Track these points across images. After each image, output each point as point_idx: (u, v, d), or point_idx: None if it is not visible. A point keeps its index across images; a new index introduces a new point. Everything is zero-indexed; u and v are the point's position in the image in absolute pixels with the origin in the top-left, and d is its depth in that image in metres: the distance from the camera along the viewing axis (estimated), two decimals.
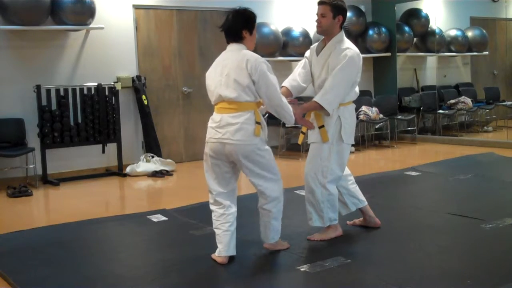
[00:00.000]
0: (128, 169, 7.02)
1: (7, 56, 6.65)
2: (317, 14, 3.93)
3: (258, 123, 3.55)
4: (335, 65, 3.85)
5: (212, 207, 3.70)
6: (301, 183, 5.99)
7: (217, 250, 3.64)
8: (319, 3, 3.93)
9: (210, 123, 3.64)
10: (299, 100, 8.79)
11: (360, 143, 8.82)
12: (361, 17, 9.13)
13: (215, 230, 3.67)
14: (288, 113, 3.61)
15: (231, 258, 3.64)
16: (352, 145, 8.99)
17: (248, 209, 5.10)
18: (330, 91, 3.80)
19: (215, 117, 3.60)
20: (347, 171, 4.15)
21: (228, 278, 3.42)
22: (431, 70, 10.17)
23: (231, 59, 3.53)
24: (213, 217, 3.69)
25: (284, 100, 3.60)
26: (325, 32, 3.95)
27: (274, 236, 3.75)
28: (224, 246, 3.60)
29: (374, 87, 9.87)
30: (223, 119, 3.53)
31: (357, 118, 8.57)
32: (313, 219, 4.00)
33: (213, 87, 3.58)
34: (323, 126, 3.87)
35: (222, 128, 3.53)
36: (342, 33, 4.00)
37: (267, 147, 3.67)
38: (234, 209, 3.71)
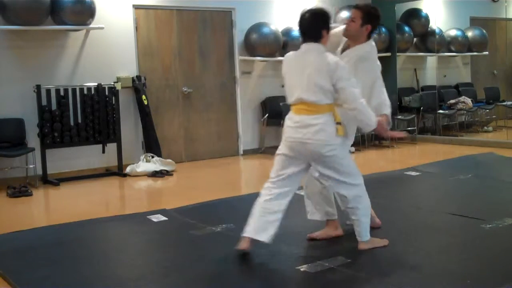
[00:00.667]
0: (128, 169, 7.02)
1: (7, 56, 6.65)
2: (349, 16, 3.93)
3: (338, 123, 3.58)
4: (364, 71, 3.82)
5: (262, 191, 3.79)
6: (301, 183, 6.00)
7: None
8: (354, 7, 3.93)
9: (289, 123, 3.66)
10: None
11: (360, 143, 8.81)
12: None
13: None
14: (366, 119, 3.59)
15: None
16: (352, 145, 9.00)
17: (248, 209, 5.11)
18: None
19: (294, 117, 3.63)
20: None
21: (228, 278, 3.42)
22: (431, 70, 10.17)
23: (311, 61, 3.55)
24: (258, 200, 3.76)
25: (364, 105, 3.57)
26: (351, 37, 3.89)
27: (367, 234, 3.74)
28: (250, 227, 3.67)
29: None
30: (303, 120, 3.57)
31: None
32: (311, 213, 4.05)
33: (293, 87, 3.61)
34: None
35: (304, 128, 3.56)
36: (370, 43, 3.92)
37: (347, 151, 3.74)
38: (283, 202, 3.74)
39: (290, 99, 3.66)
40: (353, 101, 3.53)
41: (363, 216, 3.73)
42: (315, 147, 3.55)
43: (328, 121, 3.56)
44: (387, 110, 3.87)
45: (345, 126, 3.71)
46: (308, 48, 3.60)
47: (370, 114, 3.60)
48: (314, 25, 3.58)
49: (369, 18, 3.85)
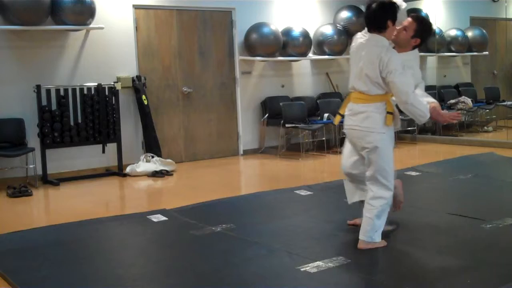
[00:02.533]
0: (128, 169, 7.01)
1: (7, 56, 6.65)
2: (402, 23, 3.83)
3: (389, 113, 3.66)
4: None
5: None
6: (301, 183, 6.02)
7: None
8: (411, 16, 3.89)
9: (346, 111, 3.83)
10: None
11: None
12: (361, 17, 9.12)
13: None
14: (419, 112, 3.63)
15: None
16: None
17: (248, 209, 5.11)
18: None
19: (349, 106, 3.80)
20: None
21: (228, 278, 3.42)
22: (431, 70, 10.16)
23: (367, 52, 3.64)
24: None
25: (416, 98, 3.60)
26: (397, 44, 3.86)
27: (372, 235, 3.73)
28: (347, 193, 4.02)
29: None
30: (354, 108, 3.73)
31: None
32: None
33: (351, 75, 3.77)
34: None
35: (354, 116, 3.72)
36: (415, 52, 3.95)
37: (390, 147, 3.79)
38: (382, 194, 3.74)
39: (348, 86, 3.82)
40: (402, 95, 3.58)
41: (377, 217, 3.72)
42: (360, 134, 3.69)
43: (378, 109, 3.67)
44: (433, 99, 3.92)
45: (397, 117, 3.77)
46: (370, 38, 3.67)
47: (422, 105, 3.64)
48: (381, 15, 3.62)
49: (422, 33, 3.85)
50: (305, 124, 8.15)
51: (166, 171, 7.07)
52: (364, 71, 3.63)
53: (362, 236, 3.75)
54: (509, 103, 10.00)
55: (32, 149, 6.56)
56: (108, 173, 7.11)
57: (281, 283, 3.35)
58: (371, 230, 3.73)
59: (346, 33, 8.95)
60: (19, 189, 6.05)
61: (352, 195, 4.10)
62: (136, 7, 7.49)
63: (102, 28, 7.02)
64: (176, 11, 7.84)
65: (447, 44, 10.12)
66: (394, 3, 3.67)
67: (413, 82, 3.65)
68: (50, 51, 6.90)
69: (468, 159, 7.35)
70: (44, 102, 6.63)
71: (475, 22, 10.33)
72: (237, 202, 5.32)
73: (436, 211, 4.73)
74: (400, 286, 3.14)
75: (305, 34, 8.52)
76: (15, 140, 6.56)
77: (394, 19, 3.65)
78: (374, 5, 3.63)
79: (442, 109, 9.87)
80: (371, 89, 3.64)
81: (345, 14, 9.09)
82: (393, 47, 3.83)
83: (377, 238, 3.76)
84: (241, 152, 8.43)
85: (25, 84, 6.65)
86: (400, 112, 3.83)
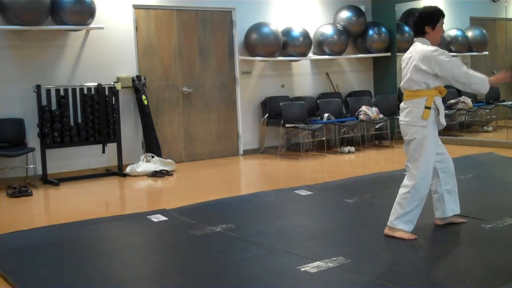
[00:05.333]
0: (128, 169, 7.02)
1: (7, 56, 6.65)
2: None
3: (427, 107, 3.90)
4: None
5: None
6: (301, 183, 6.03)
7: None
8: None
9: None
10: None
11: (360, 143, 8.82)
12: (361, 17, 9.13)
13: None
14: (480, 84, 3.90)
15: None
16: (352, 145, 9.00)
17: (248, 209, 5.11)
18: None
19: (402, 103, 4.07)
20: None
21: (228, 278, 3.42)
22: None
23: (413, 54, 3.96)
24: None
25: (471, 72, 3.88)
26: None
27: (393, 221, 3.93)
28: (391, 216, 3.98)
29: (374, 87, 9.87)
30: (402, 105, 4.02)
31: (357, 118, 8.58)
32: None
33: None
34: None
35: (401, 112, 4.02)
36: None
37: (429, 141, 3.91)
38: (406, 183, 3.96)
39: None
40: (459, 77, 3.88)
41: (398, 205, 3.93)
42: (403, 128, 3.98)
43: (418, 104, 3.91)
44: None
45: (440, 113, 3.97)
46: (415, 43, 4.01)
47: (479, 78, 3.89)
48: (419, 22, 3.99)
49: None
50: (305, 124, 8.15)
51: (166, 171, 7.08)
52: (409, 70, 3.94)
53: (390, 223, 3.95)
54: (509, 103, 9.99)
55: (32, 149, 6.56)
56: (108, 173, 7.11)
57: (281, 283, 3.35)
58: (393, 215, 3.95)
59: (346, 33, 8.96)
60: (19, 189, 6.05)
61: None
62: (136, 7, 7.49)
63: (102, 28, 7.03)
64: (176, 11, 7.84)
65: (447, 44, 10.12)
66: (434, 9, 3.98)
67: (460, 63, 3.92)
68: (50, 51, 6.90)
69: (468, 159, 7.34)
70: (44, 102, 6.63)
71: (475, 22, 10.33)
72: (237, 202, 5.32)
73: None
74: (400, 286, 3.14)
75: (305, 34, 8.52)
76: (15, 140, 6.56)
77: (433, 25, 3.95)
78: (416, 14, 4.04)
79: None
80: (411, 86, 3.94)
81: (345, 14, 9.09)
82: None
83: (399, 225, 3.92)
84: (241, 152, 8.43)
85: (25, 84, 6.65)
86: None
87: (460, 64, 3.91)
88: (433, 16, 3.97)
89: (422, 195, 3.91)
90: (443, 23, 4.01)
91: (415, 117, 3.91)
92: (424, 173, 3.90)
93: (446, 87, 4.16)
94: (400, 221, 3.91)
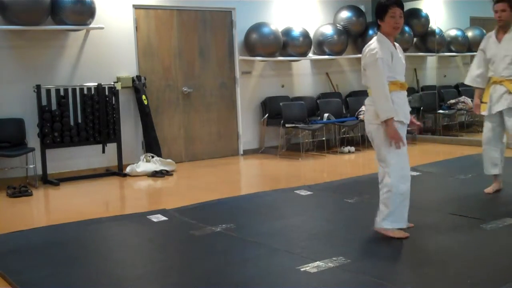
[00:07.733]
0: (128, 169, 7.02)
1: (7, 56, 6.65)
2: (496, 10, 4.83)
3: None
4: None
5: None
6: (301, 183, 6.03)
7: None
8: (498, 1, 4.79)
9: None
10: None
11: (360, 143, 8.82)
12: (361, 17, 9.14)
13: None
14: (380, 108, 3.78)
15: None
16: (352, 145, 8.99)
17: (248, 209, 5.12)
18: None
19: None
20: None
21: (228, 278, 3.42)
22: (431, 70, 10.16)
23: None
24: None
25: (383, 94, 3.74)
26: (505, 24, 4.83)
27: (381, 222, 3.91)
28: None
29: None
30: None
31: (357, 118, 8.58)
32: None
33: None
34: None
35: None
36: None
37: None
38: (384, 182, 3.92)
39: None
40: (372, 88, 3.83)
41: (381, 203, 3.90)
42: (366, 125, 4.01)
43: (374, 102, 3.85)
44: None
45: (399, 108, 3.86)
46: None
47: (384, 106, 3.77)
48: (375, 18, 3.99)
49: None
50: (305, 124, 8.15)
51: (166, 171, 7.08)
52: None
53: (378, 224, 3.95)
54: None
55: (32, 149, 6.56)
56: (108, 173, 7.11)
57: (281, 283, 3.35)
58: (379, 215, 3.93)
59: (346, 33, 8.96)
60: (19, 189, 6.05)
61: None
62: (136, 7, 7.49)
63: (102, 28, 7.02)
64: (176, 11, 7.84)
65: (447, 44, 10.12)
66: (378, 3, 3.90)
67: (382, 80, 3.81)
68: (50, 51, 6.90)
69: (468, 159, 7.34)
70: (44, 102, 6.63)
71: (475, 22, 10.32)
72: (237, 202, 5.32)
73: (436, 211, 4.73)
74: (400, 286, 3.14)
75: (305, 34, 8.52)
76: (15, 140, 6.56)
77: (380, 17, 3.90)
78: None
79: (442, 109, 9.86)
80: (366, 82, 3.95)
81: (345, 14, 9.10)
82: (498, 29, 4.91)
83: (386, 225, 3.90)
84: (241, 152, 8.43)
85: (25, 84, 6.65)
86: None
87: (380, 80, 3.74)
88: (378, 8, 3.89)
89: (402, 190, 3.84)
90: (396, 12, 3.81)
91: (371, 115, 3.88)
92: (397, 169, 3.84)
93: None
94: (387, 222, 3.88)
